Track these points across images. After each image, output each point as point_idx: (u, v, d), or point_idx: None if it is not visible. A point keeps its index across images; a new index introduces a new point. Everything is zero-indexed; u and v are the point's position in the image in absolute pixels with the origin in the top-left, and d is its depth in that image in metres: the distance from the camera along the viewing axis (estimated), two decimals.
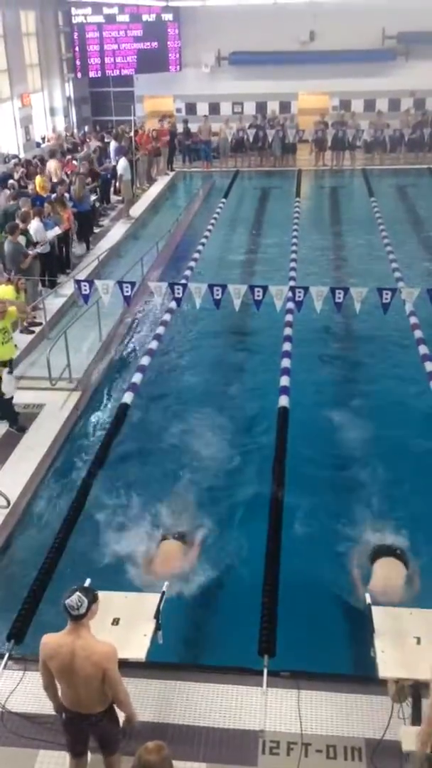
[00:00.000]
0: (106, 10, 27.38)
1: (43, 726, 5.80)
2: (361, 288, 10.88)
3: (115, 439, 10.07)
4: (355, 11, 26.35)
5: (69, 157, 21.96)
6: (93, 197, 19.08)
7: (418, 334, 12.66)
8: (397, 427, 10.17)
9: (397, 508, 8.39)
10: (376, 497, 8.74)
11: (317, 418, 10.52)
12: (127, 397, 10.99)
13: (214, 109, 29.76)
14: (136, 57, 28.17)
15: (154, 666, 6.17)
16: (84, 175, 18.83)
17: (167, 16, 27.87)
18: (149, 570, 7.28)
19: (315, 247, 18.33)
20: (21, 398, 10.48)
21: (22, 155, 22.73)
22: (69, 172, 19.60)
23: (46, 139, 25.85)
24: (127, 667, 5.36)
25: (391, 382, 11.73)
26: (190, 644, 6.57)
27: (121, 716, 5.13)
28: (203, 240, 18.45)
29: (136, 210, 21.50)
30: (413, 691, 5.55)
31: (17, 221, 13.54)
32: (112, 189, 22.20)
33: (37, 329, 13.00)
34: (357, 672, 6.28)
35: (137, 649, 5.68)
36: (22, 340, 12.41)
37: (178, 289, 11.14)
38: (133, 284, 11.36)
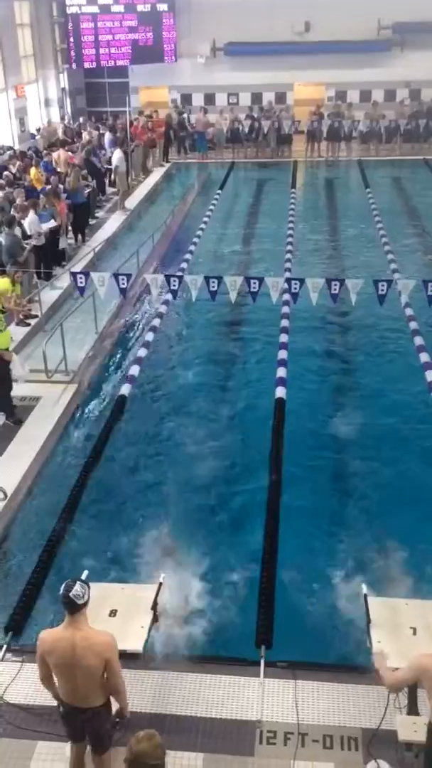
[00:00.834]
0: (100, 1, 27.19)
1: (42, 717, 5.83)
2: (357, 279, 10.89)
3: (112, 431, 10.08)
4: (350, 1, 26.20)
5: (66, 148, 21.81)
6: (87, 190, 18.98)
7: (413, 325, 12.68)
8: (391, 416, 10.26)
9: (392, 497, 8.48)
10: (371, 486, 8.80)
11: (313, 407, 10.58)
12: (125, 389, 10.99)
13: (210, 99, 29.61)
14: (131, 47, 27.98)
15: (152, 657, 6.19)
16: (79, 167, 18.74)
17: (162, 7, 27.68)
18: None
19: (311, 239, 18.32)
20: (17, 391, 10.48)
21: (17, 147, 22.62)
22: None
23: (41, 131, 25.70)
24: (125, 658, 5.38)
25: (387, 370, 11.77)
26: (187, 635, 6.58)
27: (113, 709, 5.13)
28: (199, 232, 18.41)
29: (132, 202, 21.41)
30: None
31: (13, 213, 13.49)
32: (107, 180, 22.12)
33: (33, 322, 12.98)
34: (353, 662, 6.30)
35: (134, 640, 5.70)
36: (18, 332, 12.40)
37: (174, 280, 11.11)
38: (128, 276, 11.34)
